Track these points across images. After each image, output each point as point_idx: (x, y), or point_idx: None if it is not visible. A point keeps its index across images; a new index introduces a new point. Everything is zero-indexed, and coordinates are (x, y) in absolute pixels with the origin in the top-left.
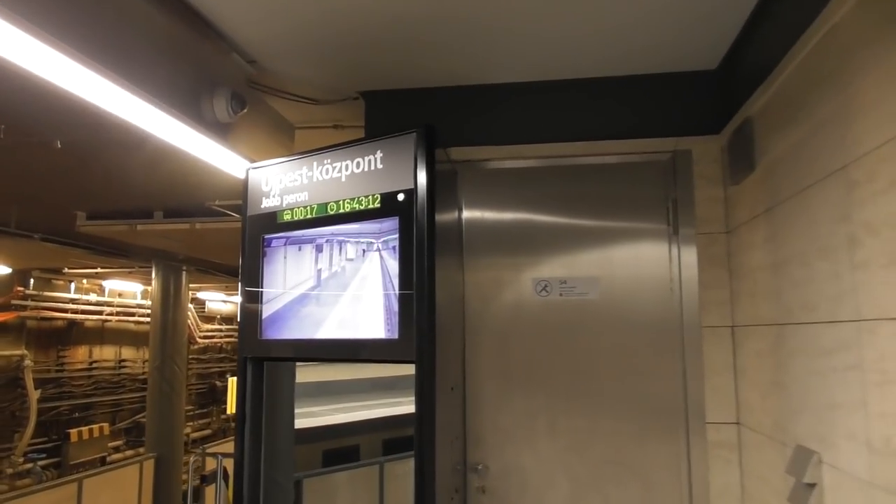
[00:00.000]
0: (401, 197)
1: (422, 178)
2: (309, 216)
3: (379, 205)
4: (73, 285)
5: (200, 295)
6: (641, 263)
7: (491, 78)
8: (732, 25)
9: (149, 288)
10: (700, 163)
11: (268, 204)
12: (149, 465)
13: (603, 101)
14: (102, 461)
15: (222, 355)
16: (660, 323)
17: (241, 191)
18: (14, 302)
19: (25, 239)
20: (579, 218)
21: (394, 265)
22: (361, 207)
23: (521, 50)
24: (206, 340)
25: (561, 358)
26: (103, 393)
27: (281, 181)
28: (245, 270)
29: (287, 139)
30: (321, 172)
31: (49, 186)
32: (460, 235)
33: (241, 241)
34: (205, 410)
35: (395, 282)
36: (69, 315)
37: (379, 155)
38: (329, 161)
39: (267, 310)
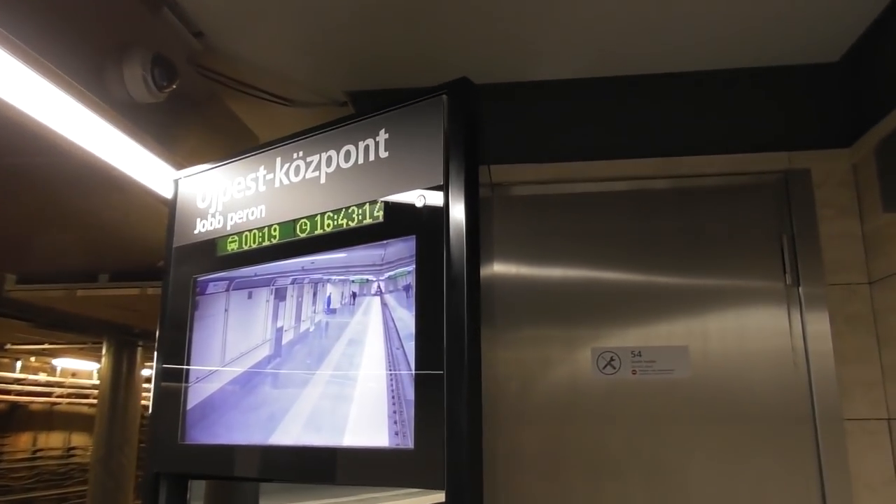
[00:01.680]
0: (421, 202)
1: (458, 167)
2: (266, 242)
3: (382, 217)
4: (18, 363)
5: None
6: (748, 329)
7: (534, 72)
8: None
9: None
10: (824, 186)
11: (204, 228)
12: None
13: (687, 103)
14: None
15: None
16: (780, 413)
17: (168, 211)
18: None
19: None
20: (658, 265)
21: (406, 319)
22: (352, 224)
23: (575, 34)
24: None
25: (636, 461)
26: (46, 486)
27: (226, 192)
28: (165, 333)
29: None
30: (287, 173)
31: None
32: (490, 295)
33: (163, 288)
34: None
35: (409, 349)
36: (12, 397)
37: (383, 137)
38: (300, 154)
39: (194, 396)
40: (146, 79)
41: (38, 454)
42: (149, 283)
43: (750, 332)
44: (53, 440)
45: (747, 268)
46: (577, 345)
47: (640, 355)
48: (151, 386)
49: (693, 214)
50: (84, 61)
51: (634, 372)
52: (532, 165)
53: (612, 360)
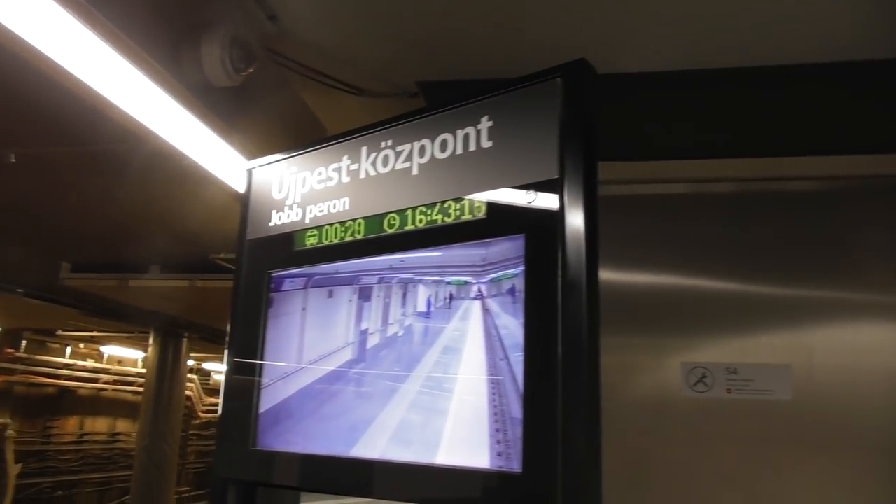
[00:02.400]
0: (531, 198)
1: (576, 159)
2: (349, 238)
3: (484, 213)
4: (68, 349)
5: (206, 366)
6: (861, 346)
7: (625, 63)
8: None
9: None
10: None
11: (281, 220)
12: None
13: (794, 100)
14: None
15: None
16: None
17: (240, 202)
18: (1, 365)
19: (6, 294)
20: (757, 274)
21: (512, 327)
22: (449, 220)
23: (672, 23)
24: (209, 415)
25: (729, 489)
26: (92, 469)
27: (304, 182)
28: (236, 330)
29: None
30: (374, 163)
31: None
32: None
33: (234, 282)
34: (202, 492)
35: (516, 360)
36: (61, 382)
37: (486, 125)
38: (389, 143)
39: (268, 399)
40: (224, 61)
41: (85, 438)
42: (198, 276)
43: (862, 350)
44: (99, 425)
45: (859, 279)
46: (665, 357)
47: (736, 373)
48: (221, 386)
49: (798, 220)
50: (162, 40)
51: (729, 391)
52: (621, 163)
53: (703, 376)
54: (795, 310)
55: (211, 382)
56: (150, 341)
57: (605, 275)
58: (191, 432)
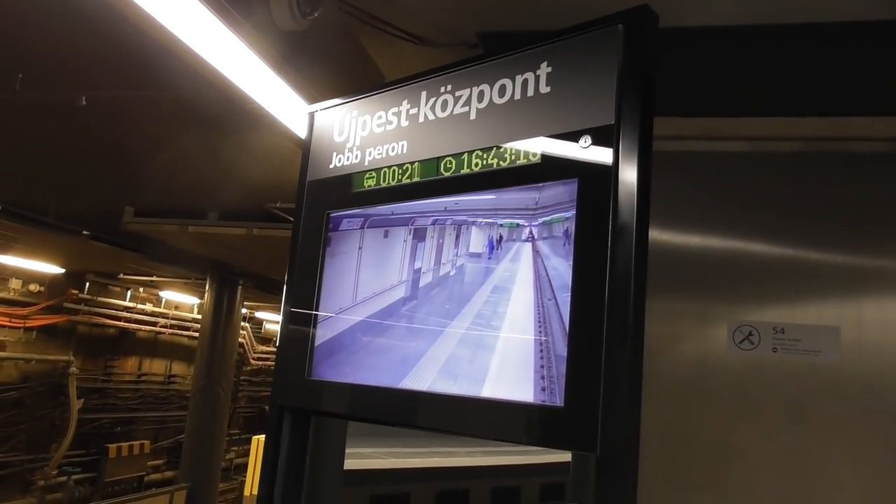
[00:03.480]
0: (585, 143)
1: (633, 106)
2: (407, 180)
3: (539, 158)
4: (128, 293)
5: (259, 315)
6: None
7: (681, 17)
8: None
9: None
10: None
11: (340, 163)
12: (180, 497)
13: (860, 55)
14: (140, 481)
15: None
16: None
17: (302, 145)
18: (66, 305)
19: (72, 236)
20: (812, 238)
21: (562, 269)
22: (504, 164)
23: None
24: (260, 363)
25: (770, 451)
26: (148, 408)
27: (365, 126)
28: (295, 267)
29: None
30: (433, 108)
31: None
32: None
33: (294, 221)
34: (251, 435)
35: (563, 301)
36: (122, 323)
37: (545, 70)
38: (449, 88)
39: (323, 333)
40: (291, 4)
41: (143, 378)
42: (255, 224)
43: None
44: (156, 367)
45: None
46: (713, 317)
47: (783, 332)
48: (280, 319)
49: (858, 183)
50: None
51: (775, 350)
52: (675, 119)
53: (750, 334)
54: (849, 277)
55: (263, 331)
56: (207, 288)
57: (655, 234)
58: (242, 378)
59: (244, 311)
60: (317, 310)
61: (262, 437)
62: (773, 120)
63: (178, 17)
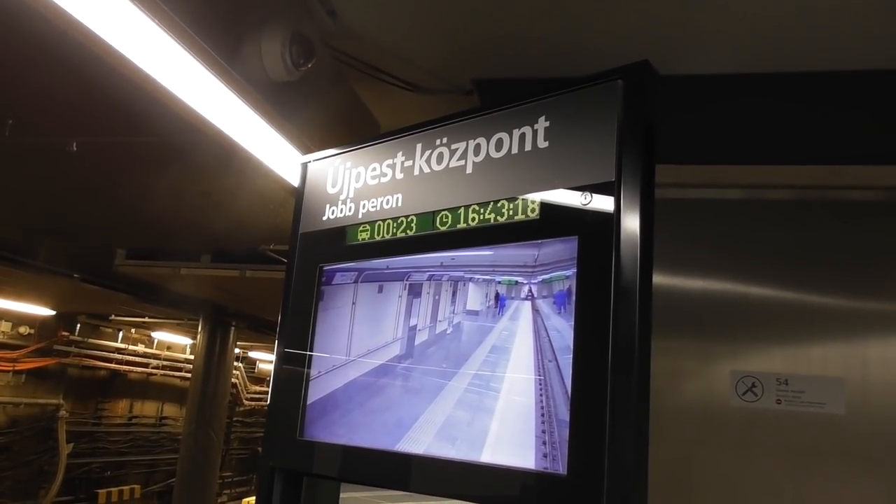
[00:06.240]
0: (585, 199)
1: (634, 162)
2: (401, 234)
3: (538, 214)
4: (120, 334)
5: (252, 354)
6: None
7: (683, 65)
8: None
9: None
10: None
11: (334, 214)
12: None
13: (858, 106)
14: None
15: None
16: None
17: (295, 196)
18: (57, 347)
19: (63, 278)
20: (813, 284)
21: (563, 329)
22: (501, 220)
23: (734, 24)
24: (253, 403)
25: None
26: (139, 451)
27: (358, 178)
28: (287, 321)
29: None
30: (428, 161)
31: (81, 211)
32: None
33: (286, 274)
34: (244, 478)
35: (565, 363)
36: (113, 365)
37: (542, 125)
38: (444, 141)
39: (316, 391)
40: (284, 55)
41: (134, 420)
42: (248, 266)
43: None
44: (147, 409)
45: None
46: (714, 365)
47: (787, 384)
48: (271, 376)
49: (856, 230)
50: (224, 34)
51: (779, 402)
52: (675, 167)
53: (753, 385)
54: (851, 322)
55: (256, 371)
56: (199, 329)
57: (657, 279)
58: (235, 419)
59: (237, 350)
60: (309, 367)
61: (253, 499)
62: (772, 168)
63: (169, 71)
